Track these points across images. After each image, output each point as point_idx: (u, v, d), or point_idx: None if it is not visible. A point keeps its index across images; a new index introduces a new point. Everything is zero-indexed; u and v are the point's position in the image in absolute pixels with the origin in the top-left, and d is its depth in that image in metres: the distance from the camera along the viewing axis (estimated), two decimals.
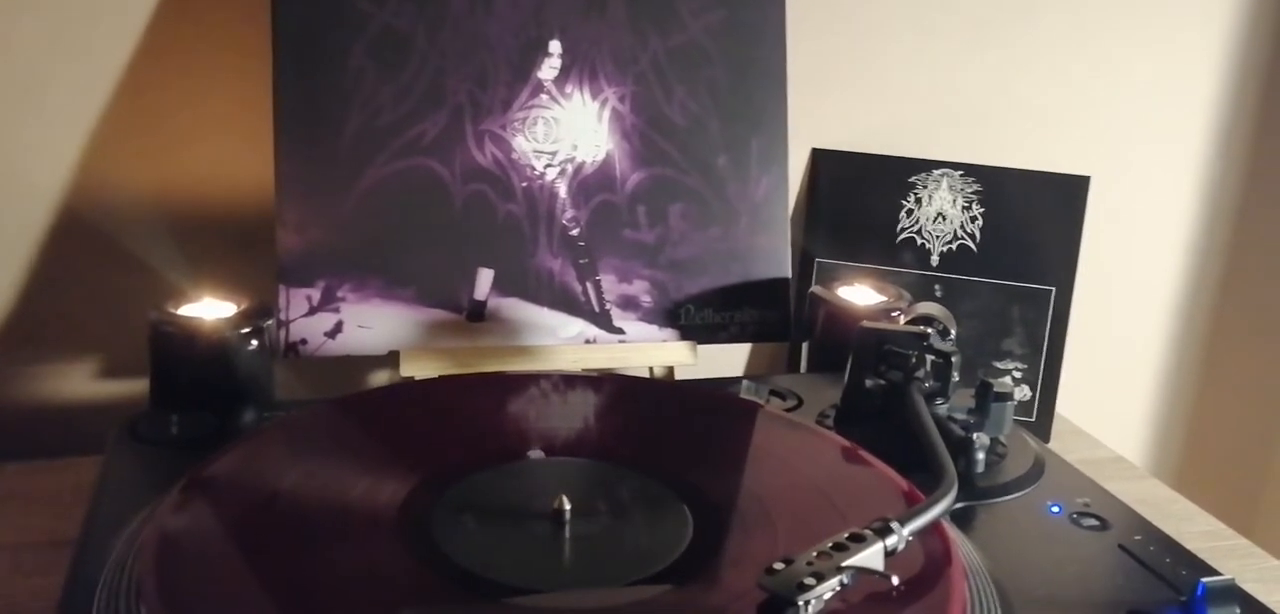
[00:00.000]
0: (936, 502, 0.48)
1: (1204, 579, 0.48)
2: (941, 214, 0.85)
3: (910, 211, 0.86)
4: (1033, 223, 0.85)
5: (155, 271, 0.75)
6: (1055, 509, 0.57)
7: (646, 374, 0.76)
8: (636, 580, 0.46)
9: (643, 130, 0.76)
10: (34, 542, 0.60)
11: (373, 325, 0.71)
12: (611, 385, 0.65)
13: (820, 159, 0.87)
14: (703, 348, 0.77)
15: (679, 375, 0.76)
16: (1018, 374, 0.86)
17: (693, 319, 0.76)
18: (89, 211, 0.74)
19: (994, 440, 0.61)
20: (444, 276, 0.72)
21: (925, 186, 0.85)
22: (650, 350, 0.76)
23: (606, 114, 0.75)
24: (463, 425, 0.60)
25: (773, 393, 0.70)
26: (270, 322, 0.65)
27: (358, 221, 0.71)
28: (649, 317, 0.76)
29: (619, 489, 0.54)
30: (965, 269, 0.85)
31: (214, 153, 0.75)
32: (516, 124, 0.74)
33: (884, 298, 0.76)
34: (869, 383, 0.62)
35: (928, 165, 0.86)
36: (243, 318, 0.64)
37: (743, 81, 0.78)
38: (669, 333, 0.76)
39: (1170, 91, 0.94)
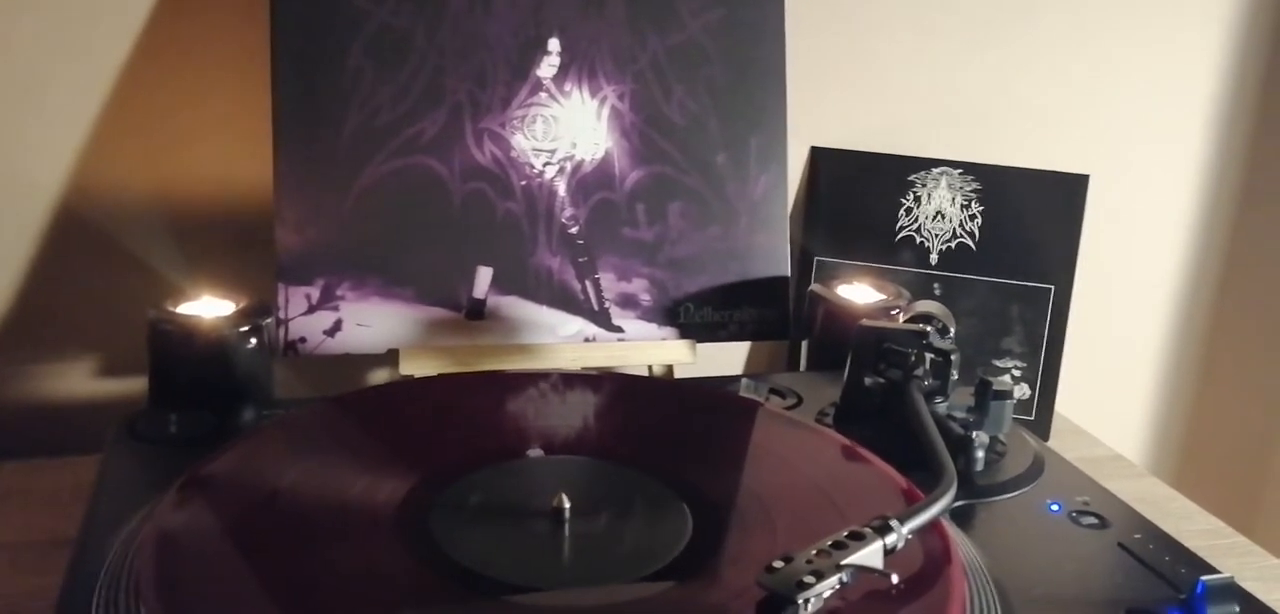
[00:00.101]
0: (936, 500, 0.48)
1: (1203, 577, 0.48)
2: (941, 212, 0.85)
3: (909, 210, 0.86)
4: (1032, 221, 0.85)
5: (154, 270, 0.75)
6: (1054, 507, 0.57)
7: (646, 372, 0.76)
8: (636, 578, 0.46)
9: (642, 129, 0.76)
10: (33, 540, 0.60)
11: (372, 324, 0.71)
12: (611, 384, 0.65)
13: (819, 157, 0.87)
14: (702, 346, 0.77)
15: (678, 374, 0.76)
16: (1017, 372, 0.86)
17: (692, 317, 0.76)
18: (88, 210, 0.74)
19: (993, 439, 0.61)
20: (443, 275, 0.72)
21: (924, 185, 0.85)
22: (649, 349, 0.76)
23: (605, 112, 0.75)
24: (462, 424, 0.60)
25: (772, 391, 0.69)
26: (269, 320, 0.65)
27: (357, 220, 0.70)
28: (648, 315, 0.76)
29: (618, 488, 0.54)
30: (964, 267, 0.85)
31: (213, 151, 0.75)
32: (515, 122, 0.74)
33: (883, 296, 0.76)
34: (868, 381, 0.62)
35: (927, 164, 0.86)
36: (242, 316, 0.64)
37: (742, 80, 0.78)
38: (668, 331, 0.76)
39: (1170, 91, 0.94)
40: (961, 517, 0.55)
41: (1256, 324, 1.01)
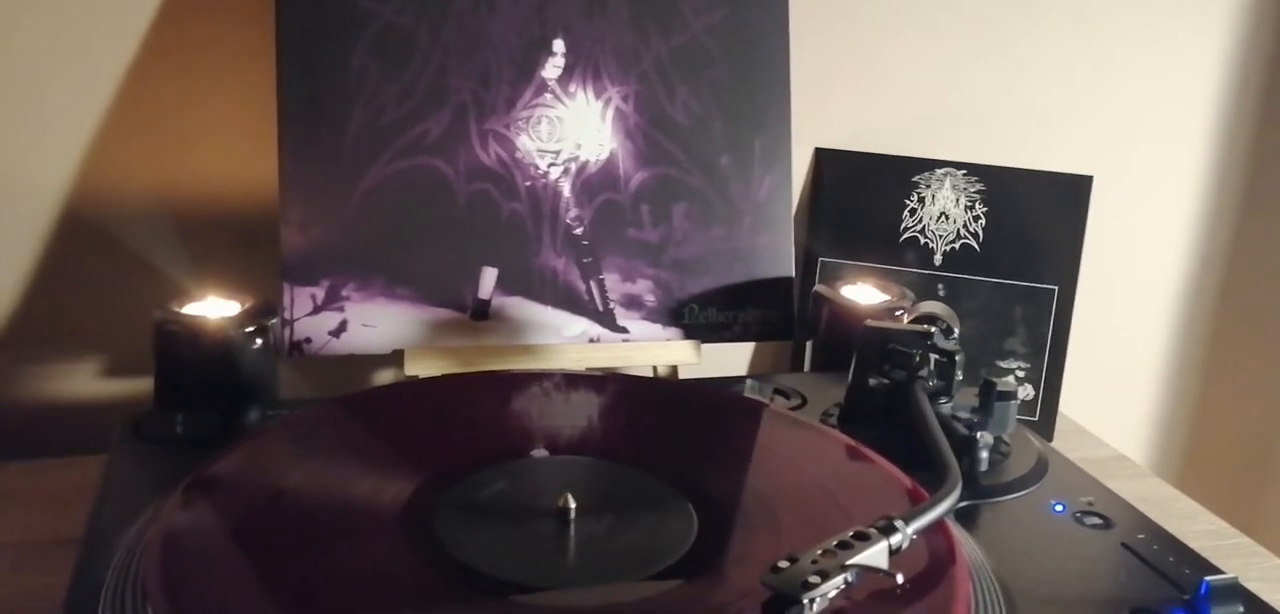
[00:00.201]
0: (940, 500, 0.48)
1: (1207, 578, 0.48)
2: (944, 213, 0.85)
3: (913, 211, 0.86)
4: (1036, 222, 0.85)
5: (159, 271, 0.75)
6: (1058, 508, 0.57)
7: (650, 373, 0.76)
8: (641, 578, 0.46)
9: (646, 130, 0.76)
10: (38, 541, 0.60)
11: (377, 324, 0.71)
12: (615, 384, 0.66)
13: (823, 158, 0.87)
14: (706, 347, 0.77)
15: (683, 374, 0.76)
16: (1021, 373, 0.86)
17: (696, 318, 0.76)
18: (93, 211, 0.74)
19: (997, 439, 0.61)
20: (448, 275, 0.72)
21: (928, 186, 0.85)
22: (654, 349, 0.76)
23: (610, 113, 0.75)
24: (467, 424, 0.60)
25: (777, 392, 0.70)
26: (274, 320, 0.65)
27: (362, 220, 0.71)
28: (653, 316, 0.76)
29: (623, 488, 0.54)
30: (968, 268, 0.85)
31: (218, 152, 0.75)
32: (520, 123, 0.74)
33: (887, 297, 0.76)
34: (873, 382, 0.62)
35: (931, 165, 0.86)
36: (247, 317, 0.64)
37: (746, 81, 0.78)
38: (673, 332, 0.76)
39: (1173, 91, 0.94)
40: (966, 517, 0.55)
41: (1260, 324, 1.01)
